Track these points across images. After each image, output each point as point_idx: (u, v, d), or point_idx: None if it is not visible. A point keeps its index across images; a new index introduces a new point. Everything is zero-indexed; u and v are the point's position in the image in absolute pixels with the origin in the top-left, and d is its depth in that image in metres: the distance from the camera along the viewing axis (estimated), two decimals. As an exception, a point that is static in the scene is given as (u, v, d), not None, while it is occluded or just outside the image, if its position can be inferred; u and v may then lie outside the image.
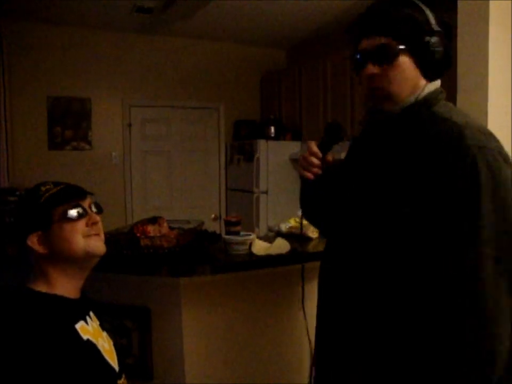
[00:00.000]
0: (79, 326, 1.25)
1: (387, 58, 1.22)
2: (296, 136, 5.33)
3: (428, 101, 1.26)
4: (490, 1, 2.55)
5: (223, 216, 5.79)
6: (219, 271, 2.10)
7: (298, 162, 1.50)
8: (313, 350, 1.49)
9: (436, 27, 1.22)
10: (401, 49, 1.21)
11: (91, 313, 1.35)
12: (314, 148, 1.44)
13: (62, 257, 1.27)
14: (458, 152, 1.12)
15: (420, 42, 1.21)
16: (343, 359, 1.32)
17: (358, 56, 1.27)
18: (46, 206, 1.27)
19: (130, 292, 2.20)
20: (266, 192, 5.16)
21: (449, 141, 1.14)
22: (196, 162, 5.92)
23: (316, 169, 1.44)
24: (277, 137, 5.40)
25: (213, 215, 5.61)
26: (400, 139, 1.26)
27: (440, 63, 1.25)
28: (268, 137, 5.32)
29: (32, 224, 1.27)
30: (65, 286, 1.28)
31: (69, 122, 5.29)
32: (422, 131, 1.21)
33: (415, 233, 1.15)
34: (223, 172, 6.01)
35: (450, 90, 2.89)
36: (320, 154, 1.44)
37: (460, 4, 2.69)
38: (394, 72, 1.23)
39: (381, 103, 1.28)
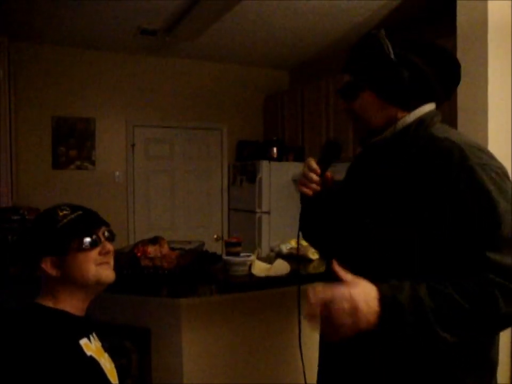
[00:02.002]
0: (83, 342, 1.27)
1: (348, 95, 1.31)
2: (299, 156, 5.35)
3: (421, 124, 1.26)
4: (489, 22, 2.58)
5: (225, 236, 5.78)
6: (219, 292, 2.09)
7: (298, 180, 1.49)
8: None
9: (394, 58, 1.22)
10: (361, 86, 1.27)
11: (94, 334, 1.36)
12: (313, 164, 1.43)
13: (73, 282, 1.30)
14: (461, 169, 1.13)
15: (378, 76, 1.24)
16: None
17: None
18: (63, 233, 1.29)
19: (130, 312, 2.20)
20: (268, 213, 5.17)
21: (450, 158, 1.15)
22: (199, 182, 5.95)
23: (314, 186, 1.42)
24: (280, 158, 5.42)
25: (215, 236, 5.61)
26: (398, 159, 1.27)
27: (409, 91, 1.24)
28: (270, 158, 5.35)
29: (48, 248, 1.29)
30: (72, 305, 1.31)
31: (73, 142, 5.34)
32: (420, 151, 1.22)
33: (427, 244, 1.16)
34: (225, 192, 6.02)
35: (450, 111, 2.92)
36: (319, 171, 1.42)
37: (458, 26, 2.73)
38: (357, 106, 1.30)
39: (359, 134, 1.37)
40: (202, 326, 2.17)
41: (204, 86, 5.87)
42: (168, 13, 4.24)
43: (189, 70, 5.81)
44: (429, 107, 1.30)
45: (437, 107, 1.32)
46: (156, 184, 5.75)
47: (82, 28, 4.66)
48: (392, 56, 1.22)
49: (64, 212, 1.32)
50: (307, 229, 1.60)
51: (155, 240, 2.24)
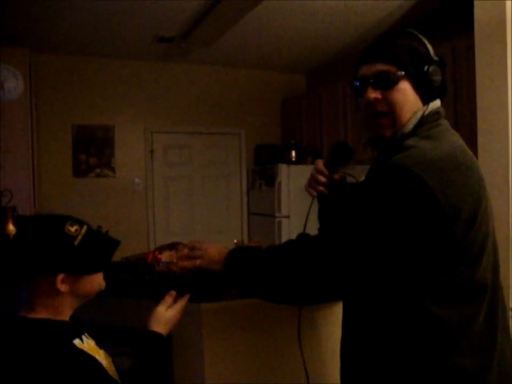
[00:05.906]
0: (76, 342, 1.26)
1: (387, 83, 1.25)
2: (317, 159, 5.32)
3: (415, 127, 1.27)
4: (508, 20, 2.54)
5: (246, 240, 5.78)
6: (241, 296, 2.08)
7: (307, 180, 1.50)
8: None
9: (434, 57, 1.28)
10: (402, 75, 1.25)
11: (86, 334, 1.36)
12: (320, 166, 1.44)
13: (79, 295, 1.30)
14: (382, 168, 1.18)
15: (420, 70, 1.25)
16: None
17: (357, 83, 1.31)
18: (82, 252, 1.26)
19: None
20: (288, 217, 5.15)
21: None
22: (218, 187, 5.96)
23: (320, 188, 1.43)
24: (298, 161, 5.42)
25: (235, 241, 5.60)
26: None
27: (437, 90, 1.29)
28: (289, 162, 5.34)
29: (65, 266, 1.24)
30: (64, 314, 1.30)
31: (93, 150, 5.40)
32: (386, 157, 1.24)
33: None
34: (244, 196, 6.03)
35: (470, 111, 2.88)
36: (326, 172, 1.42)
37: (476, 24, 2.70)
38: (395, 96, 1.26)
39: (383, 130, 1.29)
40: (224, 331, 2.16)
41: (221, 91, 5.89)
42: (183, 19, 4.27)
43: (206, 76, 5.84)
44: (437, 104, 1.32)
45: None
46: (175, 189, 5.78)
47: (101, 38, 4.72)
48: (433, 56, 1.28)
49: (75, 227, 1.27)
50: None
51: (172, 246, 2.25)
